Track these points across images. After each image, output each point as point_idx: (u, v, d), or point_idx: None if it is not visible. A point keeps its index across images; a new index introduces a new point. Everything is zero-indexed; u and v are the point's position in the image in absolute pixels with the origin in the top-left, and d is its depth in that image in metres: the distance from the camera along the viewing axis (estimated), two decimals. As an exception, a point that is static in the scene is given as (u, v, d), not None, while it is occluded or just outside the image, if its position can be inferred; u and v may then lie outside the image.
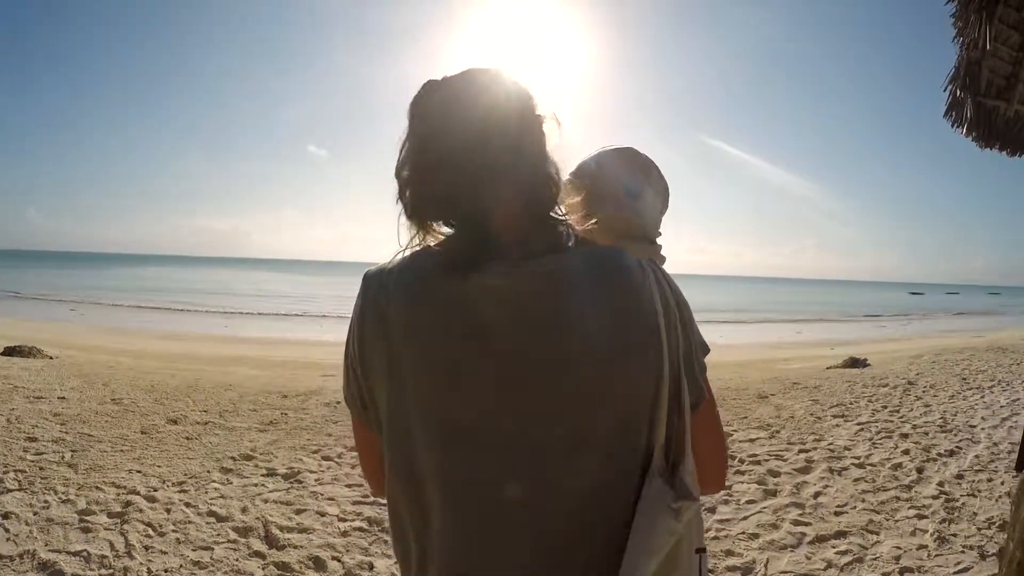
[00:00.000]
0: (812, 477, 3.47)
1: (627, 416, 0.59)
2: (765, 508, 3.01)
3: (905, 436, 4.37)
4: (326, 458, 3.58)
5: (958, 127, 3.24)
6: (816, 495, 3.22)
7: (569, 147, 0.67)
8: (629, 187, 0.84)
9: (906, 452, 4.01)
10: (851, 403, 5.35)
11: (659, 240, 0.90)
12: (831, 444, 4.09)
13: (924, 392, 5.91)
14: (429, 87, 0.64)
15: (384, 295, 0.61)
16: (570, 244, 0.63)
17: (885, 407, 5.23)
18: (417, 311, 0.60)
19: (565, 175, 0.66)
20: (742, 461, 3.67)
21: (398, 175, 0.64)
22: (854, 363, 7.82)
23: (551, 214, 0.65)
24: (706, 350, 0.67)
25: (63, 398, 4.94)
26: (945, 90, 3.18)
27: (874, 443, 4.18)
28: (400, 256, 0.64)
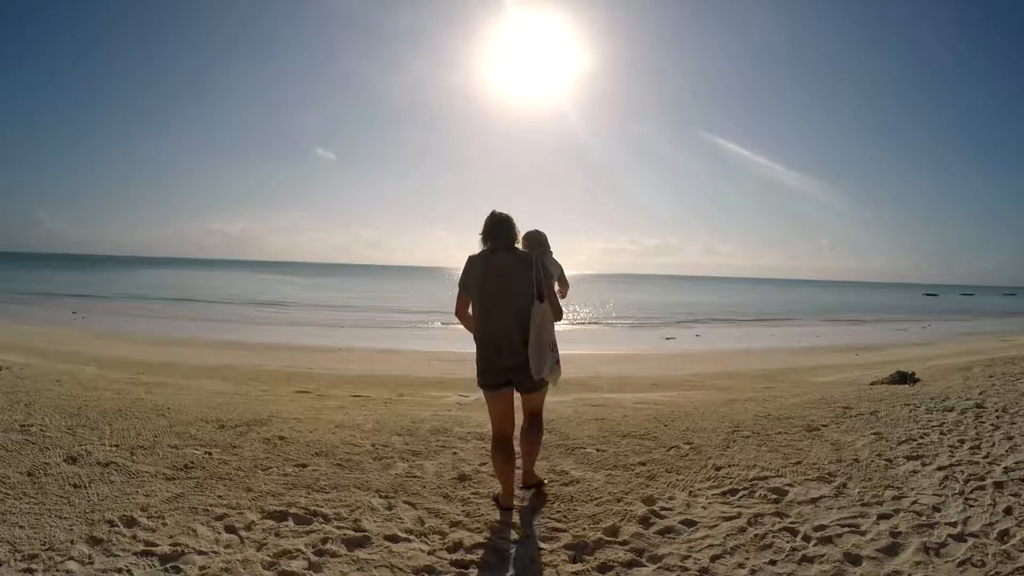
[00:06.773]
0: (904, 562, 2.48)
1: (527, 288, 2.98)
2: (855, 628, 2.03)
3: (1000, 486, 3.36)
4: (230, 529, 2.59)
5: None
6: (918, 595, 2.23)
7: (524, 226, 3.36)
8: (542, 240, 3.73)
9: (1008, 511, 3.02)
10: (921, 436, 4.33)
11: (553, 254, 3.80)
12: (915, 503, 3.08)
13: (999, 419, 4.87)
14: (492, 213, 3.10)
15: (476, 260, 3.03)
16: (518, 248, 3.12)
17: (962, 442, 4.20)
18: (484, 263, 3.01)
19: (521, 235, 3.24)
20: (808, 539, 2.65)
21: (482, 232, 3.08)
22: (902, 378, 6.76)
23: (514, 244, 3.11)
24: (551, 277, 3.17)
25: (-33, 422, 4.07)
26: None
27: (966, 498, 3.17)
28: (480, 251, 3.06)
